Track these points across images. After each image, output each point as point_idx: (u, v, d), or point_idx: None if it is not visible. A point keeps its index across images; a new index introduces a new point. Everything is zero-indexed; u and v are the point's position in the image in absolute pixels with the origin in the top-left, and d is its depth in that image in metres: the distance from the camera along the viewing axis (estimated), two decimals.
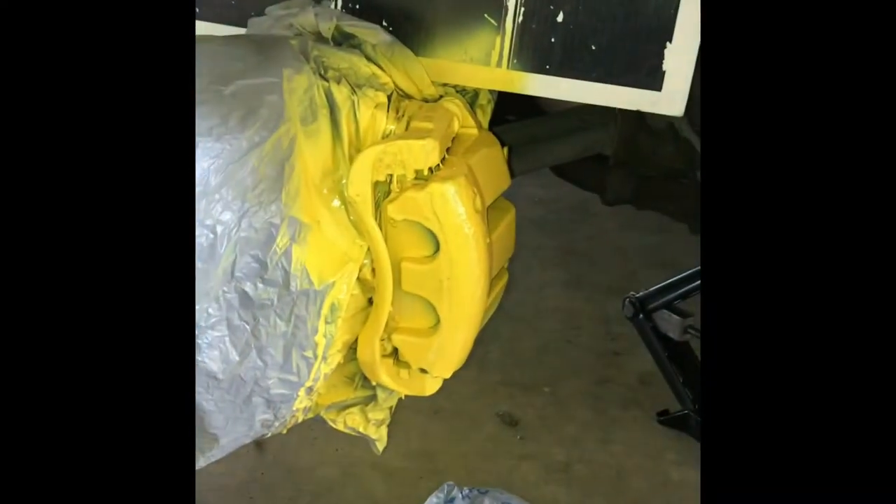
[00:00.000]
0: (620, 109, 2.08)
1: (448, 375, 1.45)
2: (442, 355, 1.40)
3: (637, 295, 2.22)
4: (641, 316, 2.20)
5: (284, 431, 1.47)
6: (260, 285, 1.23)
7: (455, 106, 1.38)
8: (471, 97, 1.52)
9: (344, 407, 1.54)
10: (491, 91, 1.55)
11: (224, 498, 1.99)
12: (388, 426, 1.71)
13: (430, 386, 1.47)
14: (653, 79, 1.37)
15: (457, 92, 1.48)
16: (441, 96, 1.42)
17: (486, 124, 1.54)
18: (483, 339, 2.57)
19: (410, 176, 1.28)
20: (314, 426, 2.15)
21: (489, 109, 1.55)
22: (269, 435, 1.44)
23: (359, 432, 1.58)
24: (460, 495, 1.47)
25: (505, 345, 2.59)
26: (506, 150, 1.49)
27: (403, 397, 1.59)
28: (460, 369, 2.42)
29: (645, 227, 3.20)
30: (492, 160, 1.41)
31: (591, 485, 2.05)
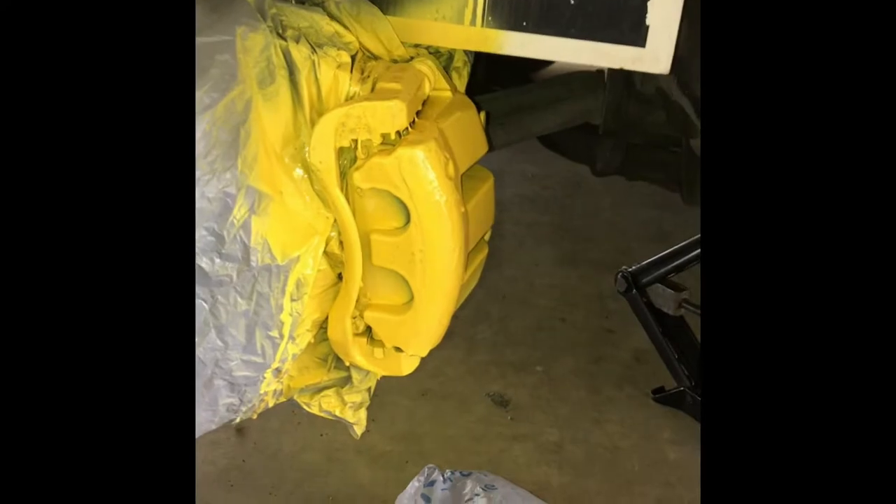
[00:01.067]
0: (608, 75, 1.99)
1: (424, 354, 1.37)
2: (417, 333, 1.32)
3: (630, 269, 2.14)
4: (634, 290, 2.13)
5: (254, 416, 1.40)
6: (217, 260, 1.15)
7: (426, 67, 1.29)
8: (445, 60, 1.44)
9: (318, 390, 1.47)
10: (467, 52, 1.46)
11: (204, 486, 1.92)
12: (369, 409, 1.63)
13: (407, 365, 1.40)
14: (636, 34, 1.28)
15: (430, 53, 1.39)
16: (412, 58, 1.34)
17: (462, 88, 1.45)
18: (473, 319, 2.51)
19: (377, 141, 1.20)
20: (297, 411, 2.08)
21: (465, 72, 1.46)
22: (238, 420, 1.37)
23: (335, 416, 1.51)
24: (441, 478, 1.40)
25: (496, 324, 2.51)
26: (483, 114, 1.41)
27: (380, 378, 1.51)
28: (449, 350, 2.36)
29: (640, 201, 3.12)
30: (466, 124, 1.33)
31: (584, 465, 1.98)
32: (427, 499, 1.35)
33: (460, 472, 1.42)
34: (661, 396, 2.16)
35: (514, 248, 2.85)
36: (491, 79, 2.04)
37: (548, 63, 2.55)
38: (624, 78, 1.93)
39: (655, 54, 1.29)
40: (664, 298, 2.09)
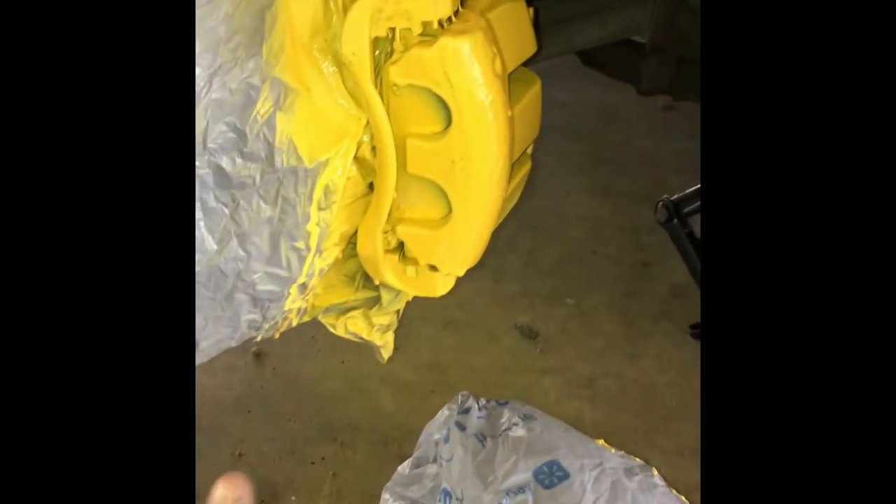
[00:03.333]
0: None
1: (461, 273, 1.26)
2: (454, 249, 1.21)
3: (671, 198, 2.02)
4: (676, 220, 2.01)
5: (276, 336, 1.30)
6: (238, 160, 1.04)
7: None
8: None
9: (344, 310, 1.37)
10: None
11: (220, 412, 1.86)
12: (396, 334, 1.54)
13: (442, 285, 1.29)
14: None
15: None
16: None
17: None
18: (500, 248, 2.40)
19: (417, 30, 1.06)
20: (318, 337, 2.01)
21: None
22: (259, 338, 1.28)
23: (361, 338, 1.41)
24: (476, 405, 1.31)
25: (524, 255, 2.41)
26: (531, 10, 1.27)
27: (411, 299, 1.41)
28: (476, 280, 2.26)
29: (677, 131, 2.97)
30: (515, 17, 1.19)
31: (618, 401, 1.89)
32: (461, 427, 1.27)
33: (496, 401, 1.33)
34: (700, 332, 2.06)
35: (544, 178, 2.73)
36: None
37: None
38: None
39: None
40: None
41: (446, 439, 1.26)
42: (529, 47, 1.24)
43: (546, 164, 2.79)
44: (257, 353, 2.00)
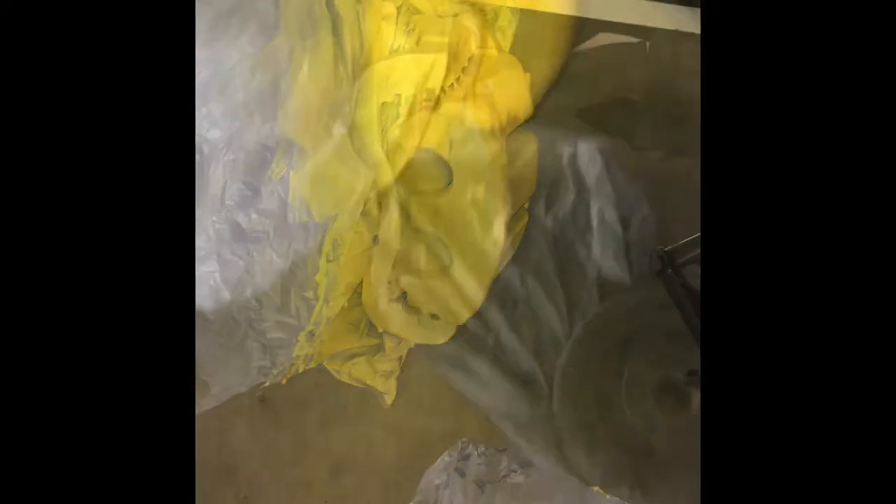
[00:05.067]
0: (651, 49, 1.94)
1: (462, 321, 1.33)
2: (455, 298, 1.28)
3: (666, 248, 2.08)
4: (670, 271, 2.07)
5: (284, 382, 1.36)
6: (254, 216, 1.11)
7: (472, 23, 1.24)
8: (490, 18, 1.38)
9: (349, 356, 1.43)
10: (513, 11, 1.40)
11: (226, 455, 1.90)
12: (398, 380, 1.60)
13: (443, 333, 1.35)
14: None
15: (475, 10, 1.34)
16: (457, 14, 1.28)
17: (507, 49, 1.39)
18: None
19: (421, 96, 1.15)
20: (321, 382, 2.05)
21: (510, 33, 1.40)
22: (268, 384, 1.34)
23: (365, 384, 1.47)
24: (476, 452, 1.35)
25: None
26: (528, 75, 1.35)
27: (413, 346, 1.47)
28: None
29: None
30: (513, 84, 1.27)
31: (616, 447, 1.93)
32: (461, 473, 1.31)
33: (495, 448, 1.38)
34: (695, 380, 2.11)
35: None
36: None
37: None
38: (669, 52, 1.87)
39: None
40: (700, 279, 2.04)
41: (446, 485, 1.30)
42: (526, 110, 1.32)
43: None
44: (262, 398, 2.04)
